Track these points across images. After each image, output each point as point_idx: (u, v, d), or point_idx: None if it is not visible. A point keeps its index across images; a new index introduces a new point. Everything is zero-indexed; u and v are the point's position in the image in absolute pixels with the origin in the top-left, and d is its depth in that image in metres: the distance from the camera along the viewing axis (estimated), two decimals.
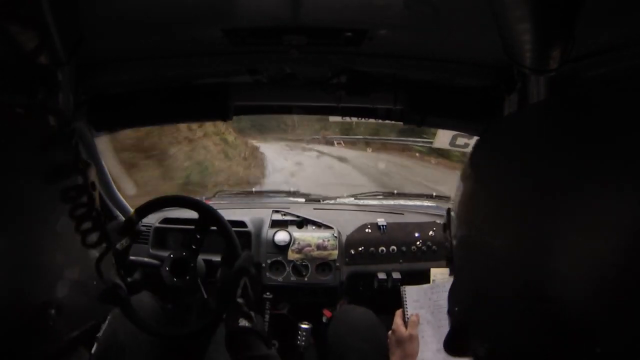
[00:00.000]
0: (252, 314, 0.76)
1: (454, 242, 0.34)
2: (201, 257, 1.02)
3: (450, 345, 0.35)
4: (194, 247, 0.97)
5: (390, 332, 0.97)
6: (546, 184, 0.26)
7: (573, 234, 0.24)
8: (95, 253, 0.41)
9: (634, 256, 0.22)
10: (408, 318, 0.96)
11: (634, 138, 0.24)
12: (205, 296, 0.97)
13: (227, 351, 0.74)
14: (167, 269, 0.94)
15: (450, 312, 0.36)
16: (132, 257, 0.99)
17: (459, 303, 0.34)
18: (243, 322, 0.74)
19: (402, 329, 0.94)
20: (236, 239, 0.95)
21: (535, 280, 0.26)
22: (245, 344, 0.72)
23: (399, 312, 0.99)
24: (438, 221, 1.39)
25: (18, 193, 0.34)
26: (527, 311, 0.26)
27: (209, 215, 0.96)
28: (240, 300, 0.78)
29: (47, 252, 0.36)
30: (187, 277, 0.95)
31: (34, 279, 0.35)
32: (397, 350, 0.92)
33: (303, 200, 1.66)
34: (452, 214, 0.35)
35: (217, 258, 1.13)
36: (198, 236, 0.96)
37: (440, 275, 1.17)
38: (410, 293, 1.01)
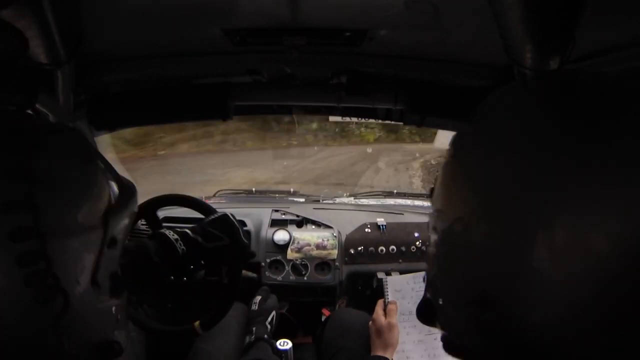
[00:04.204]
0: (271, 338, 1.04)
1: (435, 234, 0.34)
2: None
3: (421, 313, 0.37)
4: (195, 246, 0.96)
5: (370, 322, 0.97)
6: (526, 170, 0.25)
7: (558, 227, 0.23)
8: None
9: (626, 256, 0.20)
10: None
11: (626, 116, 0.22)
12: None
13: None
14: (166, 267, 0.94)
15: (426, 286, 0.37)
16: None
17: (435, 288, 0.35)
18: (266, 337, 1.02)
19: (381, 318, 0.94)
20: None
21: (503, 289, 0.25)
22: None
23: (380, 302, 0.99)
24: None
25: None
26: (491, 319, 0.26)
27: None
28: (267, 325, 1.06)
29: None
30: (187, 276, 0.95)
31: None
32: (378, 341, 0.93)
33: (303, 199, 1.67)
34: (434, 203, 0.35)
35: None
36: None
37: None
38: (392, 282, 1.00)
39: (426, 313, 0.36)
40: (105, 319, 0.43)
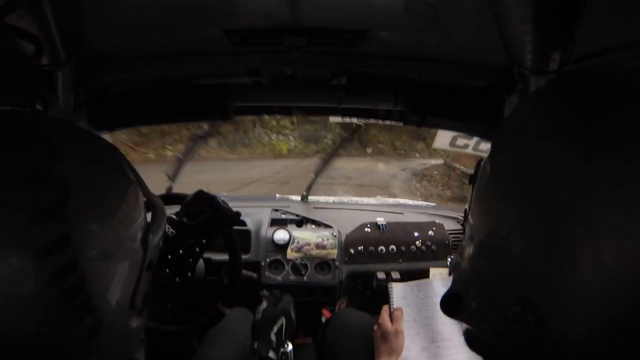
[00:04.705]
0: (280, 350, 0.91)
1: (472, 241, 0.34)
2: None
3: (447, 305, 0.37)
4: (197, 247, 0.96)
5: (376, 327, 0.97)
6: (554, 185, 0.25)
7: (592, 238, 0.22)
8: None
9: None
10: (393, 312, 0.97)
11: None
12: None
13: None
14: (167, 268, 0.94)
15: (454, 279, 0.36)
16: None
17: (467, 286, 0.34)
18: (271, 354, 0.87)
19: (387, 323, 0.94)
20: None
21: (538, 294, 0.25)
22: None
23: (385, 307, 0.99)
24: (437, 221, 1.39)
25: None
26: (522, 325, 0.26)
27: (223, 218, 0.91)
28: (273, 337, 0.90)
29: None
30: (188, 276, 0.95)
31: None
32: (383, 346, 0.92)
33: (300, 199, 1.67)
34: (471, 209, 0.35)
35: (217, 257, 1.13)
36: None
37: (440, 275, 1.17)
38: (397, 289, 1.00)
39: (452, 306, 0.36)
40: (132, 339, 0.42)
